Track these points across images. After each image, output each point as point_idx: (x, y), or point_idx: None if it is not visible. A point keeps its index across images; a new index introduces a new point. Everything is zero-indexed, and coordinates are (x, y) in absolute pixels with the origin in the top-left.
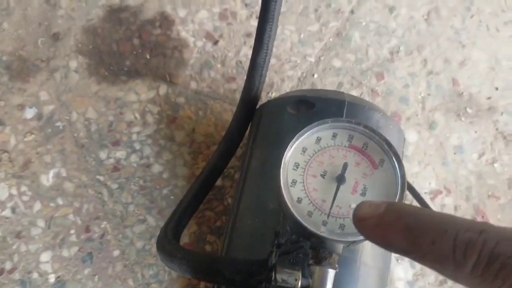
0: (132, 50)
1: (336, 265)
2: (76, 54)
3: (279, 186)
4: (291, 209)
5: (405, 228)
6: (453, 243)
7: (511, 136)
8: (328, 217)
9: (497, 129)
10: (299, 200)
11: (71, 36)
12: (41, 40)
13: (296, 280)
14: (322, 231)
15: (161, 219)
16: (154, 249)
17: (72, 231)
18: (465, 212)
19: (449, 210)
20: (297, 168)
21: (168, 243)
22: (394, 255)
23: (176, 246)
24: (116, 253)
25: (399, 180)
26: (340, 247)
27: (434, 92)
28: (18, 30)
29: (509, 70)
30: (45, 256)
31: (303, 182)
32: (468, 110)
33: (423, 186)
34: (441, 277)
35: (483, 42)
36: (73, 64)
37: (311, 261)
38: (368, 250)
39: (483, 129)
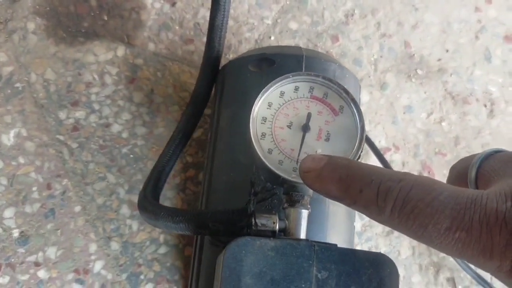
0: (89, 11)
1: (309, 206)
2: (34, 15)
3: (250, 140)
4: (263, 160)
5: (339, 179)
6: (376, 191)
7: (459, 96)
8: (297, 164)
9: (446, 89)
10: (270, 151)
11: None
12: None
13: (274, 223)
14: (293, 177)
15: (121, 176)
16: (114, 205)
17: (34, 189)
18: (412, 167)
19: (397, 166)
20: (265, 121)
21: (150, 204)
22: None
23: (158, 206)
24: (78, 209)
25: (359, 123)
26: (310, 190)
27: (387, 54)
28: None
29: (459, 33)
30: (8, 212)
31: (272, 134)
32: (419, 71)
33: (366, 153)
34: (387, 228)
35: (435, 6)
36: (31, 25)
37: (285, 205)
38: None
39: (433, 90)
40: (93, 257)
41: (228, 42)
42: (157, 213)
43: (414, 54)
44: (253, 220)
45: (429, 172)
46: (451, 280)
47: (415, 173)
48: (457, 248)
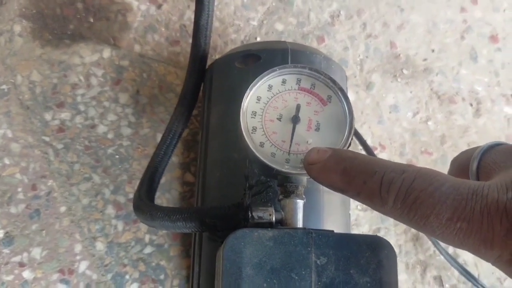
0: (75, 14)
1: (303, 196)
2: (20, 18)
3: (242, 135)
4: (256, 153)
5: (343, 171)
6: (379, 182)
7: (445, 95)
8: (289, 155)
9: (431, 89)
10: (262, 145)
11: (14, 0)
12: None
13: (270, 215)
14: (286, 168)
15: (106, 177)
16: (100, 205)
17: (19, 189)
18: None
19: None
20: (255, 116)
21: (145, 205)
22: None
23: (154, 206)
24: (63, 209)
25: (347, 111)
26: (304, 180)
27: (372, 55)
28: None
29: (445, 33)
30: None
31: (263, 128)
32: (404, 71)
33: (353, 147)
34: (374, 226)
35: (421, 7)
36: (17, 28)
37: (280, 197)
38: None
39: (418, 89)
40: (78, 257)
41: (214, 43)
42: (154, 213)
43: (399, 54)
44: (249, 213)
45: None
46: (438, 278)
47: None
48: (458, 238)
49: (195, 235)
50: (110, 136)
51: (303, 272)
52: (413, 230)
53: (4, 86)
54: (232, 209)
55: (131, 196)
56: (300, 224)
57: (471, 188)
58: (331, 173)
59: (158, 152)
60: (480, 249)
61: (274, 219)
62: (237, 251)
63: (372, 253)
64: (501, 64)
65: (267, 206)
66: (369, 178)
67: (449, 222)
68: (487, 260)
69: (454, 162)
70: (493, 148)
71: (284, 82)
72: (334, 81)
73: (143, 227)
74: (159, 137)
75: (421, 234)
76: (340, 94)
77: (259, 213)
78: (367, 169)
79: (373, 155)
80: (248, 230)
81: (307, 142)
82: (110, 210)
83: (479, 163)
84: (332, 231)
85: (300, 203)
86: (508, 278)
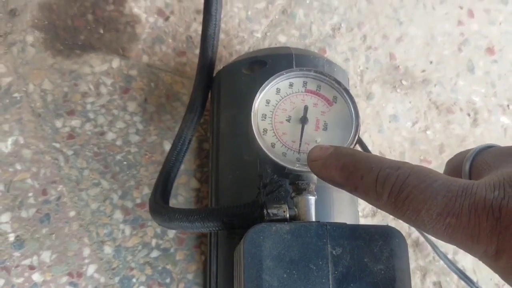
0: (86, 25)
1: (315, 192)
2: (32, 29)
3: (253, 137)
4: (268, 153)
5: (342, 167)
6: (375, 177)
7: (444, 105)
8: (299, 154)
9: (430, 99)
10: (273, 145)
11: (27, 12)
12: None
13: (284, 211)
14: (297, 167)
15: (114, 182)
16: (108, 210)
17: (30, 194)
18: None
19: None
20: (265, 118)
21: (163, 208)
22: None
23: (171, 208)
24: (72, 214)
25: (353, 110)
26: (314, 177)
27: (372, 66)
28: None
29: (443, 45)
30: (5, 217)
31: (273, 129)
32: (404, 82)
33: None
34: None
35: (419, 19)
36: (30, 38)
37: (293, 194)
38: None
39: (417, 100)
40: (86, 261)
41: (219, 54)
42: (171, 215)
43: (399, 66)
44: (265, 210)
45: None
46: (438, 284)
47: None
48: (447, 233)
49: (210, 236)
50: (118, 143)
51: (320, 263)
52: (413, 236)
53: (16, 94)
54: (248, 207)
55: (139, 201)
56: (313, 219)
57: (461, 186)
58: (331, 169)
59: (170, 158)
60: (467, 244)
61: (288, 215)
62: (257, 245)
63: (385, 242)
64: (497, 75)
65: (281, 203)
66: (366, 173)
67: (439, 217)
68: (474, 255)
69: (449, 163)
70: (485, 150)
71: (291, 85)
72: (339, 82)
73: (150, 231)
74: (166, 144)
75: (421, 240)
76: (345, 94)
77: (273, 210)
78: (364, 166)
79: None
80: (266, 225)
81: (316, 141)
82: (118, 215)
83: (472, 163)
84: (345, 223)
85: (312, 199)
86: (507, 285)
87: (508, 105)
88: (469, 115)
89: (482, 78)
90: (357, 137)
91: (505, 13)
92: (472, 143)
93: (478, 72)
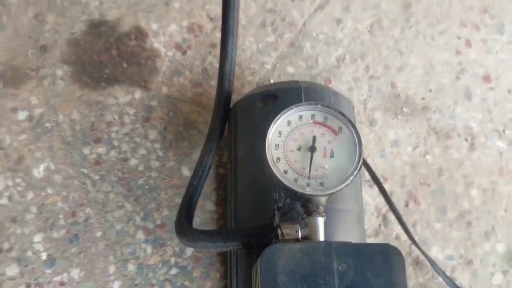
0: (110, 59)
1: (324, 214)
2: (61, 63)
3: (268, 165)
4: (281, 179)
5: None
6: None
7: (442, 131)
8: (309, 179)
9: (429, 125)
10: (285, 172)
11: (57, 47)
12: (31, 52)
13: (296, 231)
14: (307, 191)
15: (137, 205)
16: (131, 230)
17: (61, 216)
18: (399, 196)
19: None
20: (278, 148)
21: (188, 229)
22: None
23: (196, 230)
24: (99, 234)
25: (356, 139)
26: (323, 200)
27: (375, 94)
28: (10, 42)
29: (442, 74)
30: (38, 237)
31: (285, 158)
32: (404, 109)
33: (364, 175)
34: None
35: (419, 50)
36: (59, 72)
37: (304, 215)
38: (344, 199)
39: (417, 126)
40: (112, 278)
41: None
42: (196, 236)
43: (400, 94)
44: (279, 231)
45: (414, 201)
46: None
47: (402, 201)
48: None
49: (230, 256)
50: (140, 168)
51: (328, 278)
52: (413, 255)
53: (47, 124)
54: (264, 228)
55: (159, 222)
56: (322, 238)
57: None
58: None
59: (192, 183)
60: None
61: (300, 235)
62: (272, 263)
63: (384, 259)
64: (493, 101)
65: (293, 224)
66: None
67: None
68: None
69: None
70: None
71: (300, 117)
72: (343, 114)
73: (169, 250)
74: (183, 169)
75: (421, 258)
76: (350, 125)
77: (287, 231)
78: None
79: (380, 184)
80: (280, 245)
81: (324, 167)
82: (140, 235)
83: None
84: (350, 242)
85: (321, 220)
86: None
87: (504, 130)
88: (466, 140)
89: (479, 104)
90: (361, 162)
91: (502, 42)
92: (469, 167)
93: (475, 99)
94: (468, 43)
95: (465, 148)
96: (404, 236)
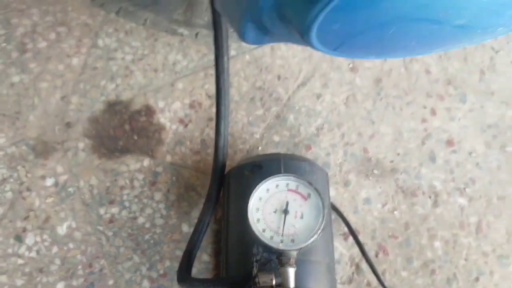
0: (124, 133)
1: (295, 265)
2: (83, 137)
3: (249, 225)
4: (259, 237)
5: None
6: None
7: (409, 190)
8: (283, 237)
9: (397, 185)
10: (263, 230)
11: (79, 124)
12: (57, 128)
13: (271, 279)
14: (281, 246)
15: (143, 257)
16: (138, 279)
17: (80, 267)
18: (370, 247)
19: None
20: (258, 211)
21: (188, 278)
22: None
23: (193, 279)
24: (111, 282)
25: (321, 203)
26: (294, 254)
27: (349, 159)
28: (41, 121)
29: (409, 140)
30: (60, 285)
31: (264, 219)
32: (375, 171)
33: (339, 229)
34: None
35: (389, 119)
36: (81, 145)
37: (278, 266)
38: (317, 251)
39: (387, 186)
40: None
41: None
42: (194, 284)
43: (371, 158)
44: (257, 279)
45: (384, 252)
46: None
47: (373, 252)
48: None
49: None
50: (147, 225)
51: None
52: None
53: (70, 189)
54: (245, 277)
55: (162, 272)
56: (292, 285)
57: None
58: None
59: (193, 238)
60: None
61: (274, 283)
62: None
63: None
64: (455, 163)
65: (269, 273)
66: None
67: None
68: None
69: None
70: None
71: (277, 186)
72: (311, 183)
73: None
74: (183, 226)
75: None
76: (316, 192)
77: (263, 279)
78: None
79: (355, 235)
80: None
81: (295, 226)
82: (146, 283)
83: None
84: None
85: (292, 270)
86: None
87: (464, 188)
88: (430, 197)
89: (442, 166)
90: (324, 222)
91: (464, 110)
92: (433, 221)
93: (439, 161)
94: (433, 112)
95: (429, 205)
96: (374, 283)
